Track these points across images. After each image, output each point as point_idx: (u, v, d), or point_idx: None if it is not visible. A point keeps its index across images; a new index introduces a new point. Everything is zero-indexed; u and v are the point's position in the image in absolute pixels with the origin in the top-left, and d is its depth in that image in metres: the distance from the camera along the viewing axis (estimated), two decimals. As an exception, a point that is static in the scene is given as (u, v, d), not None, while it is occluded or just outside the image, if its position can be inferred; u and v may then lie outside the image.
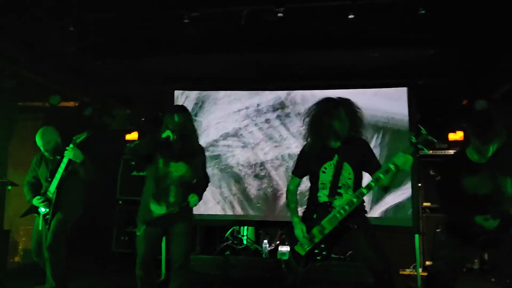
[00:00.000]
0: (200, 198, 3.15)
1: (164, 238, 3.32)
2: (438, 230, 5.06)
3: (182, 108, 3.21)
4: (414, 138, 2.55)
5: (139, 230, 3.09)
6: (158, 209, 3.03)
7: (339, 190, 2.72)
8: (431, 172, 5.15)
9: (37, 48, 4.56)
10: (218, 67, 5.03)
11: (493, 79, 4.74)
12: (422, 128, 2.53)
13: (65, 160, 3.65)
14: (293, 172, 2.97)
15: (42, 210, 3.72)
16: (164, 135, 2.96)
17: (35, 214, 3.78)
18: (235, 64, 4.95)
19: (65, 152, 3.62)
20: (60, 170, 3.67)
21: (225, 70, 5.07)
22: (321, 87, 4.91)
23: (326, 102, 2.78)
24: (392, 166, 2.52)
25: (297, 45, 4.44)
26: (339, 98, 2.78)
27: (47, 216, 3.70)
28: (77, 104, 5.89)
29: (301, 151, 2.94)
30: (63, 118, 5.59)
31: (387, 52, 4.52)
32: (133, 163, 3.55)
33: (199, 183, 3.22)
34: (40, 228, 3.72)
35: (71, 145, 3.59)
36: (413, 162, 2.52)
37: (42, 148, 3.82)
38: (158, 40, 4.42)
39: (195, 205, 3.12)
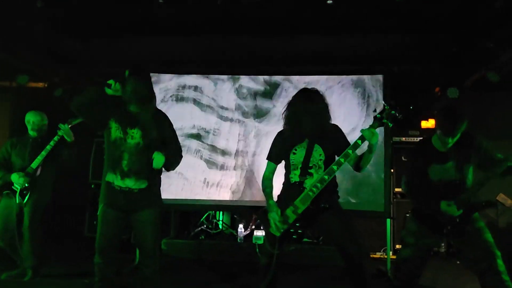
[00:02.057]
0: (167, 161, 2.81)
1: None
2: (408, 215, 5.20)
3: (142, 69, 2.81)
4: (378, 113, 2.66)
5: (99, 209, 2.85)
6: (113, 179, 2.78)
7: (310, 170, 2.79)
8: (403, 158, 5.27)
9: (4, 25, 4.35)
10: (193, 50, 4.94)
11: (465, 67, 4.85)
12: (385, 104, 2.66)
13: (56, 138, 3.73)
14: (267, 158, 3.00)
15: (18, 186, 3.68)
16: (108, 81, 2.69)
17: (5, 192, 3.71)
18: (211, 47, 4.86)
19: (59, 130, 3.71)
20: (48, 147, 3.73)
21: (200, 53, 4.98)
22: (297, 72, 4.93)
23: (301, 95, 2.87)
24: (359, 141, 2.64)
25: (274, 30, 4.39)
26: (314, 91, 2.87)
27: (24, 192, 3.67)
28: (46, 84, 5.68)
29: (275, 137, 3.01)
30: (32, 99, 5.41)
31: (364, 39, 4.54)
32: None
33: (169, 153, 2.86)
34: (10, 207, 3.68)
35: (66, 124, 3.68)
36: (378, 136, 2.63)
37: (30, 127, 3.86)
38: (132, 21, 4.29)
39: (158, 166, 2.77)
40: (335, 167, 2.68)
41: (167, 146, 2.88)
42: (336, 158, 2.76)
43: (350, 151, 2.65)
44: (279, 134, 2.97)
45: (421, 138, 4.42)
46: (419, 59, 4.91)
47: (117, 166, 2.77)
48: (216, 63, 5.14)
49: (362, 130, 2.64)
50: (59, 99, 5.39)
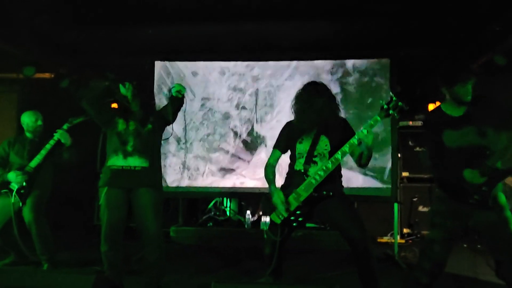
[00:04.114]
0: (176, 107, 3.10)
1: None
2: (414, 199, 5.22)
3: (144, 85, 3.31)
4: (385, 104, 2.63)
5: (101, 196, 2.98)
6: (115, 161, 2.97)
7: (314, 159, 2.82)
8: (410, 143, 5.26)
9: (9, 17, 4.36)
10: (200, 37, 4.92)
11: (472, 50, 4.79)
12: (392, 94, 2.63)
13: (51, 142, 3.73)
14: (274, 146, 3.05)
15: (15, 185, 3.68)
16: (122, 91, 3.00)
17: (3, 191, 3.70)
18: (217, 34, 4.84)
19: (55, 134, 3.72)
20: (45, 149, 3.73)
21: (207, 40, 4.96)
22: (305, 58, 4.90)
23: (308, 88, 2.90)
24: (354, 141, 2.66)
25: (279, 16, 4.36)
26: (320, 84, 2.92)
27: (22, 191, 3.68)
28: (53, 75, 5.71)
29: (283, 127, 3.07)
30: (39, 90, 5.45)
31: (370, 23, 4.49)
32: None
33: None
34: (8, 206, 3.64)
35: (64, 126, 3.72)
36: (372, 137, 2.63)
37: (25, 128, 3.88)
38: (138, 9, 4.27)
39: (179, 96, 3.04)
40: (339, 156, 2.70)
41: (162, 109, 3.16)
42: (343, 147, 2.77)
43: (355, 141, 2.65)
44: (288, 124, 3.03)
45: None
46: (425, 43, 4.85)
47: (121, 148, 2.97)
48: (222, 50, 5.12)
49: (357, 132, 2.66)
50: (65, 90, 5.44)
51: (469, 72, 2.65)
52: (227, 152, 4.92)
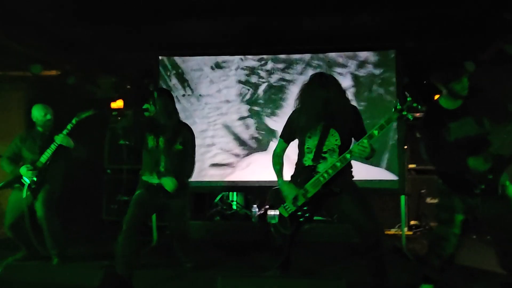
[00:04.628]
0: (187, 177, 3.48)
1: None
2: (422, 191, 5.19)
3: (164, 89, 3.64)
4: (399, 104, 2.56)
5: (135, 194, 3.29)
6: (151, 179, 3.32)
7: (324, 155, 2.78)
8: (417, 135, 5.21)
9: (15, 15, 4.37)
10: (203, 33, 4.90)
11: (480, 41, 4.72)
12: (408, 94, 2.55)
13: (53, 147, 3.77)
14: (280, 136, 3.04)
15: (27, 180, 3.73)
16: (144, 106, 3.28)
17: (16, 186, 3.77)
18: (222, 28, 4.82)
19: (56, 136, 3.76)
20: (50, 149, 3.78)
21: (211, 35, 4.95)
22: (310, 50, 4.87)
23: (318, 78, 2.84)
24: (347, 155, 2.64)
25: (286, 9, 4.32)
26: (326, 76, 2.86)
27: (33, 186, 3.71)
28: (59, 73, 5.74)
29: (289, 116, 3.02)
30: (46, 87, 5.49)
31: (376, 14, 4.44)
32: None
33: (187, 162, 3.47)
34: (20, 200, 3.72)
35: (73, 120, 3.79)
36: (369, 151, 2.59)
37: (36, 122, 3.92)
38: (143, 5, 4.26)
39: (172, 189, 3.27)
40: (348, 156, 2.66)
41: (186, 156, 3.45)
42: (353, 142, 2.74)
43: (365, 141, 2.59)
44: (294, 113, 2.96)
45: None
46: (433, 33, 4.79)
47: (155, 168, 3.32)
48: (226, 45, 5.09)
49: (352, 147, 2.62)
50: (73, 87, 5.47)
51: (462, 69, 2.65)
52: (240, 146, 4.88)
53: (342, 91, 2.82)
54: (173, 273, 3.59)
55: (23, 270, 2.54)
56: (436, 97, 5.01)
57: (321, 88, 2.74)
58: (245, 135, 4.87)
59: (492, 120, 2.67)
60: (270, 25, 4.70)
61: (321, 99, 2.72)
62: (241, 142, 4.87)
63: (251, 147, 4.84)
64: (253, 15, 4.43)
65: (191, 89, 4.97)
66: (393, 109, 2.58)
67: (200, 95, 4.96)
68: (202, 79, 4.97)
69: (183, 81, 4.99)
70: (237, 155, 4.85)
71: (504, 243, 2.70)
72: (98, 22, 4.60)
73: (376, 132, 2.58)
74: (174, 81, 4.99)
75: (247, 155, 4.84)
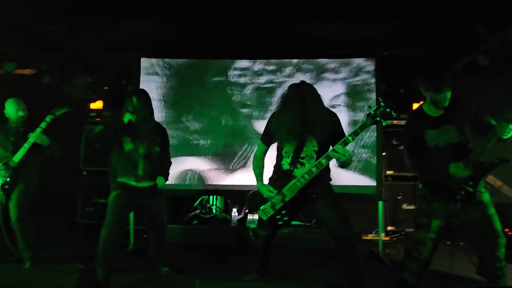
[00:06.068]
0: (166, 179, 3.48)
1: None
2: (399, 197, 5.28)
3: (142, 91, 3.47)
4: (372, 110, 2.60)
5: (110, 197, 3.24)
6: (128, 180, 3.30)
7: (301, 160, 2.82)
8: (394, 142, 5.32)
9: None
10: (184, 35, 4.87)
11: (455, 51, 4.87)
12: (381, 100, 2.59)
13: (26, 145, 3.65)
14: (260, 139, 3.06)
15: (0, 180, 3.62)
16: (125, 119, 3.21)
17: None
18: (202, 31, 4.80)
19: (31, 134, 3.64)
20: (24, 148, 3.65)
21: (192, 37, 4.92)
22: (292, 56, 4.90)
23: (296, 87, 2.88)
24: (323, 161, 2.67)
25: (266, 14, 4.34)
26: (303, 84, 2.90)
27: (6, 186, 3.61)
28: (34, 71, 5.59)
29: (269, 120, 3.04)
30: (20, 86, 5.32)
31: (354, 23, 4.51)
32: (96, 145, 3.56)
33: (165, 163, 3.52)
34: None
35: (47, 118, 3.68)
36: (348, 156, 2.63)
37: (10, 117, 3.79)
38: (121, 4, 4.20)
39: (163, 186, 3.40)
40: (323, 161, 2.68)
41: (164, 158, 3.50)
42: (331, 148, 2.76)
43: (340, 147, 2.62)
44: (273, 116, 3.00)
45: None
46: (409, 43, 4.90)
47: (132, 171, 3.29)
48: (207, 48, 5.08)
49: (328, 152, 2.65)
50: (47, 86, 5.33)
51: (446, 81, 2.68)
52: (227, 149, 4.82)
53: (320, 101, 2.86)
54: (150, 277, 3.53)
55: (-6, 274, 2.45)
56: (415, 105, 5.19)
57: (300, 99, 2.78)
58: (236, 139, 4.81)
59: (471, 128, 2.76)
60: (249, 30, 4.72)
61: (299, 109, 2.76)
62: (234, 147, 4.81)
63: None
64: (232, 20, 4.44)
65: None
66: (367, 115, 2.62)
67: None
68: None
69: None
70: (229, 159, 4.80)
71: (481, 249, 2.77)
72: (74, 21, 4.50)
73: (350, 138, 2.62)
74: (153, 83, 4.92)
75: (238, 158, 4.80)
